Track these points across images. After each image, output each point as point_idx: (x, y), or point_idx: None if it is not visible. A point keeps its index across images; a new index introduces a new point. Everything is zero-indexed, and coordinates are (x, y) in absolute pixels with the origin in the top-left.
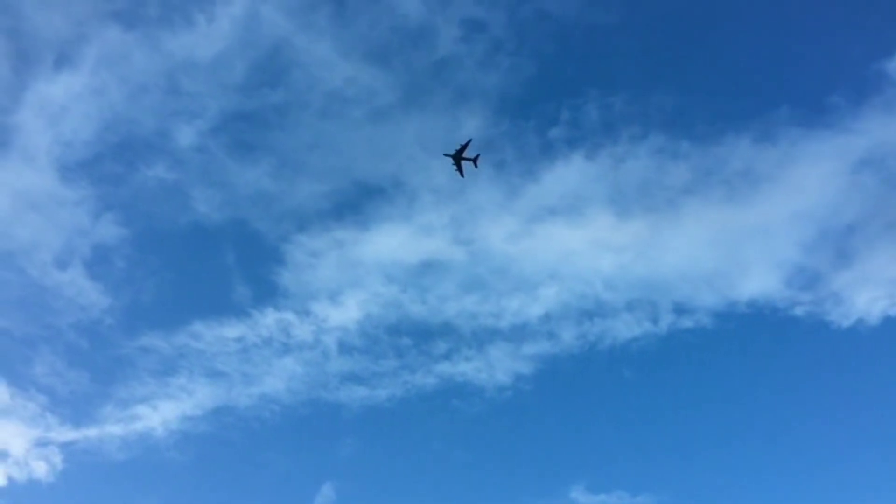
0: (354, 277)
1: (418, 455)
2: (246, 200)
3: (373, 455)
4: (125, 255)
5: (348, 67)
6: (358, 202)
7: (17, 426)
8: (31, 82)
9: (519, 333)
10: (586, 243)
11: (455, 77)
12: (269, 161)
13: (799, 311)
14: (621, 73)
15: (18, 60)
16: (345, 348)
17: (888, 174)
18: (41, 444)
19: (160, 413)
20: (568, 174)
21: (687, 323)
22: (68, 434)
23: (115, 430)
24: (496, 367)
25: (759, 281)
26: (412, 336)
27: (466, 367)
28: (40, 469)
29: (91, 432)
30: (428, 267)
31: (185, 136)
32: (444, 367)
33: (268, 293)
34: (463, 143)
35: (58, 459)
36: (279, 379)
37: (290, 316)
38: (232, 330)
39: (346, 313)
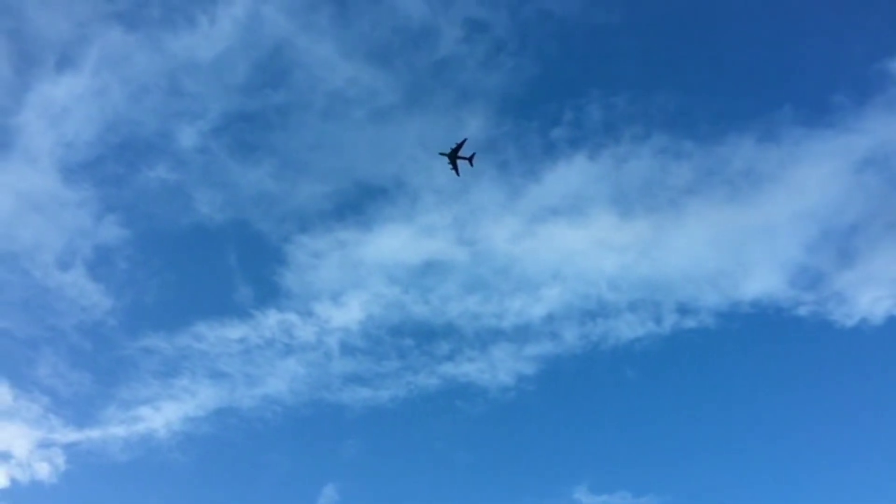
0: (357, 278)
1: (421, 456)
2: (248, 201)
3: (375, 456)
4: (127, 256)
5: (350, 68)
6: (360, 203)
7: (19, 427)
8: (33, 83)
9: (522, 334)
10: (589, 243)
11: (457, 77)
12: (271, 162)
13: (802, 310)
14: (624, 73)
15: (20, 62)
16: (347, 349)
17: (891, 174)
18: (44, 445)
19: (163, 414)
20: (570, 174)
21: (690, 323)
22: (71, 435)
23: (117, 431)
24: (499, 368)
25: (762, 281)
26: (415, 337)
27: (469, 368)
28: (43, 470)
29: (94, 433)
30: (430, 267)
31: (187, 136)
32: (447, 368)
33: (270, 294)
34: (458, 142)
35: (61, 461)
36: (282, 380)
37: (292, 317)
38: (234, 331)
39: (348, 314)
